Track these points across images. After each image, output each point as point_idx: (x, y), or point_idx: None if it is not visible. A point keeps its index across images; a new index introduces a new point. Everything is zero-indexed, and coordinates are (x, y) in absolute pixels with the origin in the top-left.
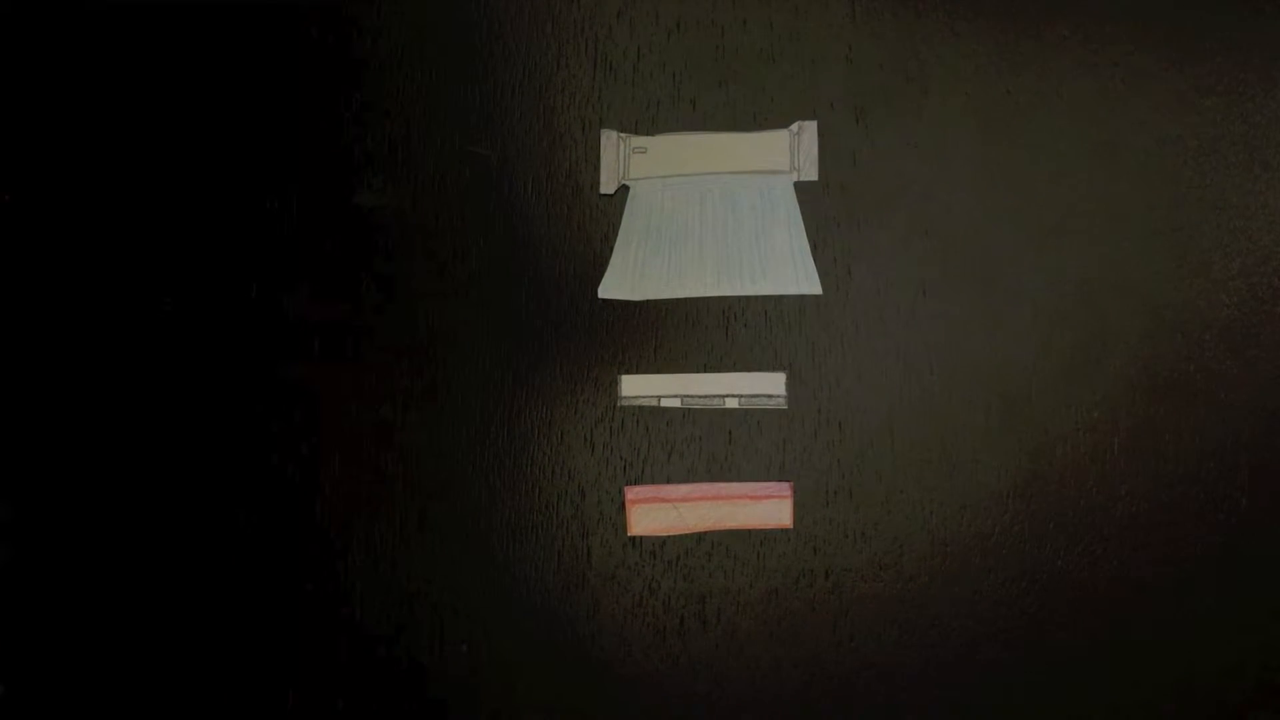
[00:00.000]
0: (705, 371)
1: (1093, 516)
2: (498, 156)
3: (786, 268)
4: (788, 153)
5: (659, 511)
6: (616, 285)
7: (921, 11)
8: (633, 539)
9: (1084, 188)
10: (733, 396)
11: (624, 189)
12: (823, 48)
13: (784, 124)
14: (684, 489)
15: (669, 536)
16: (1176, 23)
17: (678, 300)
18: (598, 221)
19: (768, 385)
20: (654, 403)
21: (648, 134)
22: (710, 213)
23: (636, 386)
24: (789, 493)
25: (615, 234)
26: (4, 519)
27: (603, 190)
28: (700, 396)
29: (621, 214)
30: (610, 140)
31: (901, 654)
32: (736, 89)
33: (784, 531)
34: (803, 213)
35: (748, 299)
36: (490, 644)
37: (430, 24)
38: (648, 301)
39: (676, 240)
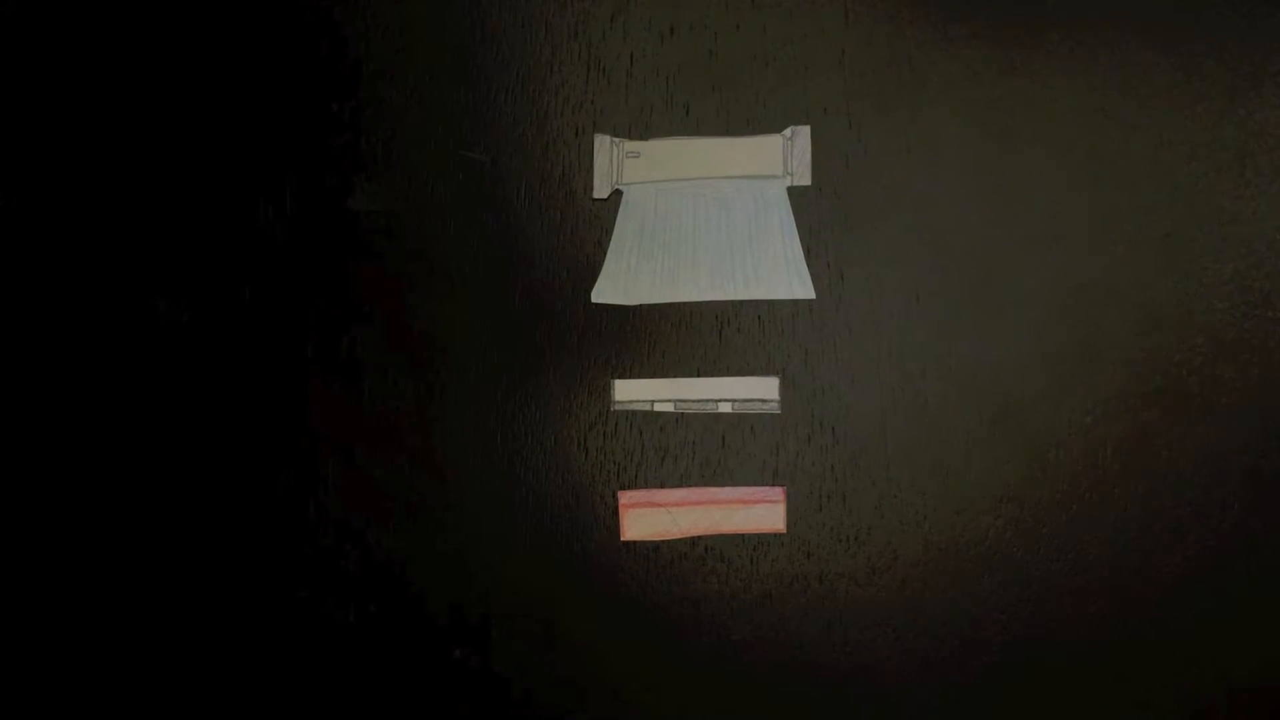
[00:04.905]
0: (698, 376)
1: (1086, 521)
2: (490, 160)
3: (780, 272)
4: (781, 157)
5: (652, 516)
6: (610, 290)
7: (914, 16)
8: (626, 544)
9: (1077, 192)
10: (726, 401)
11: (617, 193)
12: (816, 52)
13: (777, 128)
14: (677, 493)
15: (662, 541)
16: (1169, 27)
17: (671, 305)
18: (591, 226)
19: (761, 390)
20: (647, 407)
21: (641, 138)
22: (703, 217)
23: (630, 391)
24: (782, 497)
25: (608, 239)
26: None
27: (596, 195)
28: (693, 401)
29: (614, 219)
30: (603, 145)
31: (895, 658)
32: (730, 93)
33: (777, 536)
34: (796, 217)
35: (741, 303)
36: (484, 649)
37: (423, 28)
38: (641, 306)
39: (670, 245)
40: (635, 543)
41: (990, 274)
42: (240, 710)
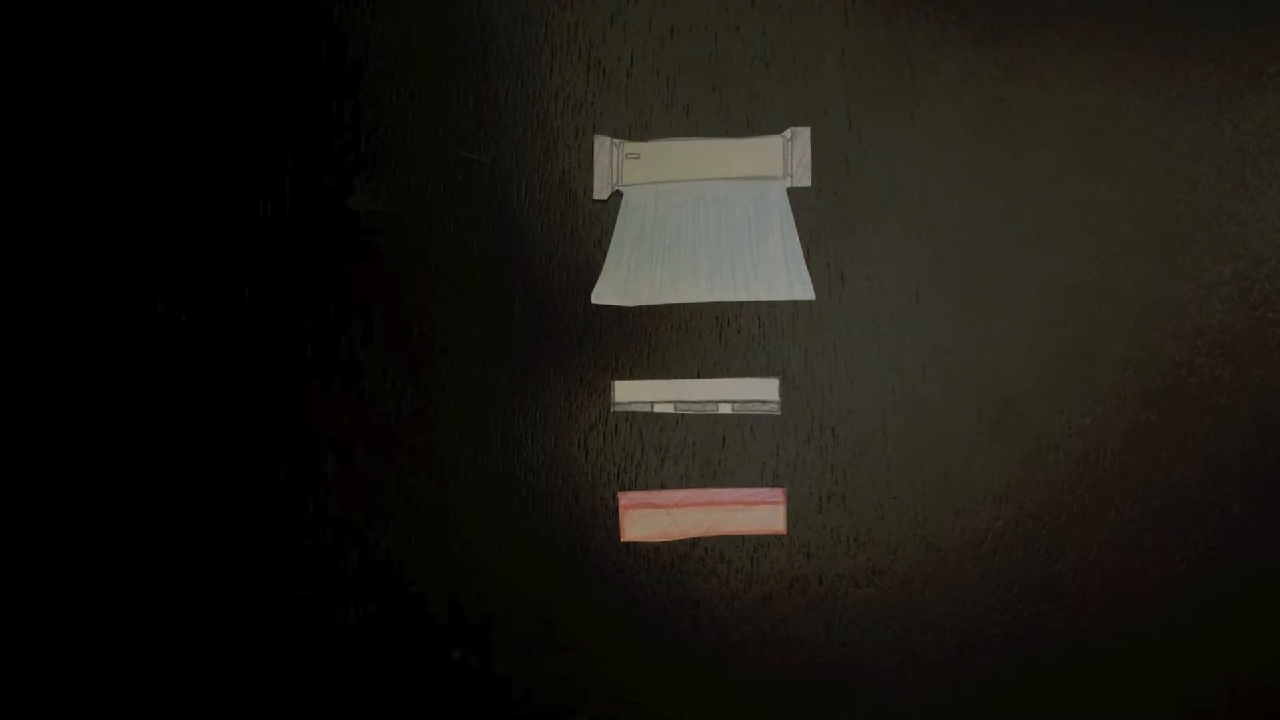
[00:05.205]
0: (699, 377)
1: (1085, 522)
2: (490, 161)
3: (779, 273)
4: (781, 158)
5: (652, 517)
6: (610, 291)
7: (914, 17)
8: (626, 544)
9: (1076, 193)
10: (726, 402)
11: (617, 195)
12: (816, 53)
13: (777, 129)
14: (677, 494)
15: (662, 542)
16: (1167, 29)
17: (671, 306)
18: (591, 227)
19: (761, 391)
20: (647, 408)
21: (641, 140)
22: (703, 218)
23: (630, 392)
24: (782, 498)
25: (608, 240)
26: None
27: (596, 196)
28: (694, 402)
29: (614, 220)
30: (603, 146)
31: (895, 659)
32: (730, 94)
33: (777, 537)
34: (796, 218)
35: (741, 304)
36: (484, 650)
37: (423, 29)
38: (641, 307)
39: (670, 246)
40: (635, 544)
41: (990, 274)
42: (240, 710)
